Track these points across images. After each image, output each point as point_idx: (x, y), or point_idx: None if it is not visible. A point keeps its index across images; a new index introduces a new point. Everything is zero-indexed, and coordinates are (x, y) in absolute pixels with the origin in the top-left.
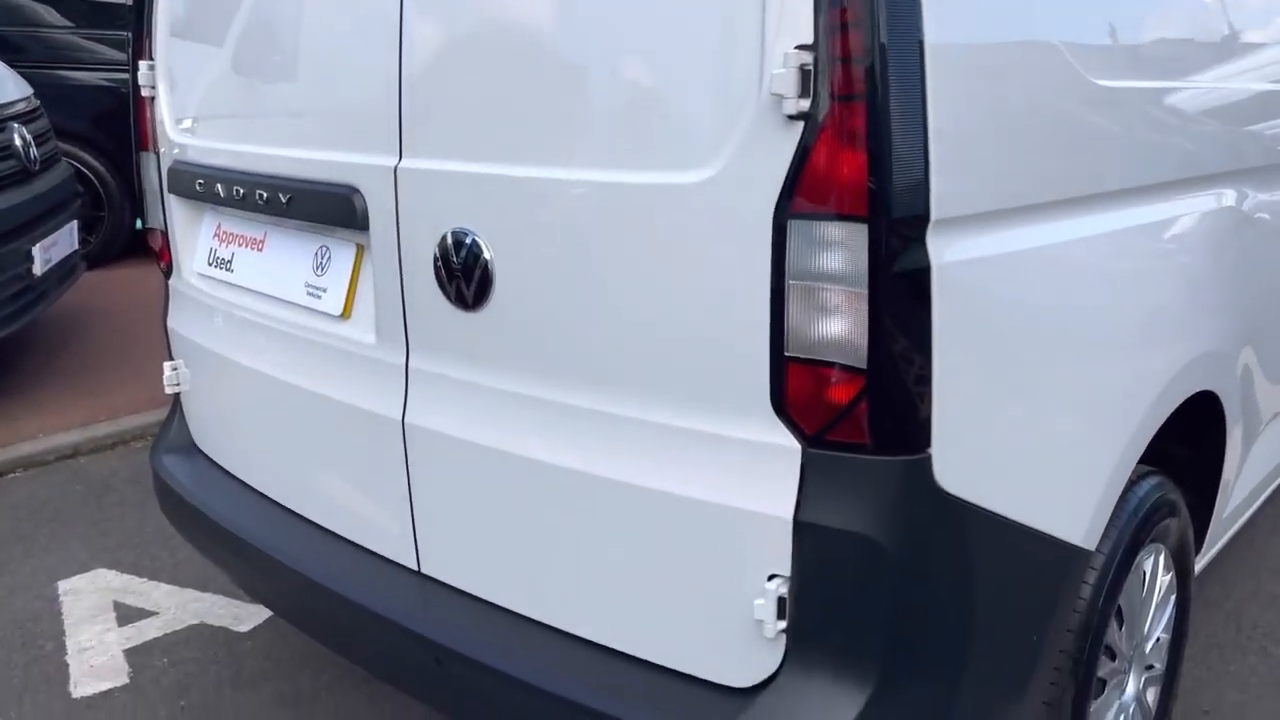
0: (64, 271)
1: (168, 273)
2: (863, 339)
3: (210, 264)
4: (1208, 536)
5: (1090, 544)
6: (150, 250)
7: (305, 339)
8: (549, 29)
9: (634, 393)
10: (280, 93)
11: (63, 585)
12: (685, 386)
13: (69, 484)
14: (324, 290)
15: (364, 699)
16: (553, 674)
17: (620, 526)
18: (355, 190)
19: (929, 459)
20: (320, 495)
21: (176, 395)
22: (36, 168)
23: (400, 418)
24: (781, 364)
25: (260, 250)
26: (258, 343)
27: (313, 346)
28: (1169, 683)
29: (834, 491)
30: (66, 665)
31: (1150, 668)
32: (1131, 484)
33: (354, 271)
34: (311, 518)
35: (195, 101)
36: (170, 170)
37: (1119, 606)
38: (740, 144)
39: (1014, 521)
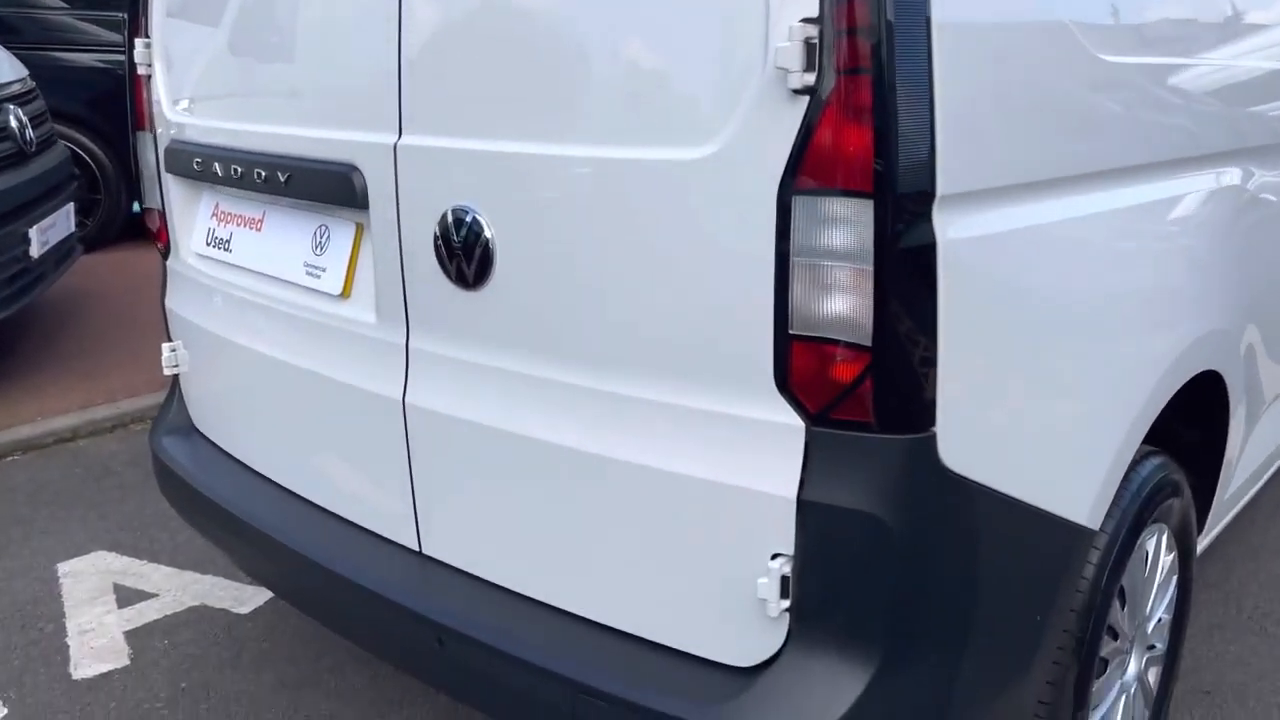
0: (61, 254)
1: (165, 253)
2: (868, 316)
3: (208, 244)
4: (1210, 517)
5: (1094, 523)
6: (147, 232)
7: (305, 319)
8: (550, 3)
9: (636, 371)
10: (278, 70)
11: (62, 568)
12: (688, 365)
13: (68, 467)
14: (323, 270)
15: (365, 680)
16: (554, 654)
17: (622, 506)
18: (354, 168)
19: (933, 437)
20: (320, 476)
21: (175, 377)
22: (33, 150)
23: (401, 397)
24: (786, 342)
25: (259, 230)
26: (257, 323)
27: (312, 326)
28: (1170, 663)
29: (838, 470)
30: (66, 647)
31: (1152, 648)
32: (1135, 464)
33: (353, 250)
34: (312, 499)
35: (192, 80)
36: (167, 150)
37: (1122, 586)
38: (744, 119)
39: (1018, 500)
